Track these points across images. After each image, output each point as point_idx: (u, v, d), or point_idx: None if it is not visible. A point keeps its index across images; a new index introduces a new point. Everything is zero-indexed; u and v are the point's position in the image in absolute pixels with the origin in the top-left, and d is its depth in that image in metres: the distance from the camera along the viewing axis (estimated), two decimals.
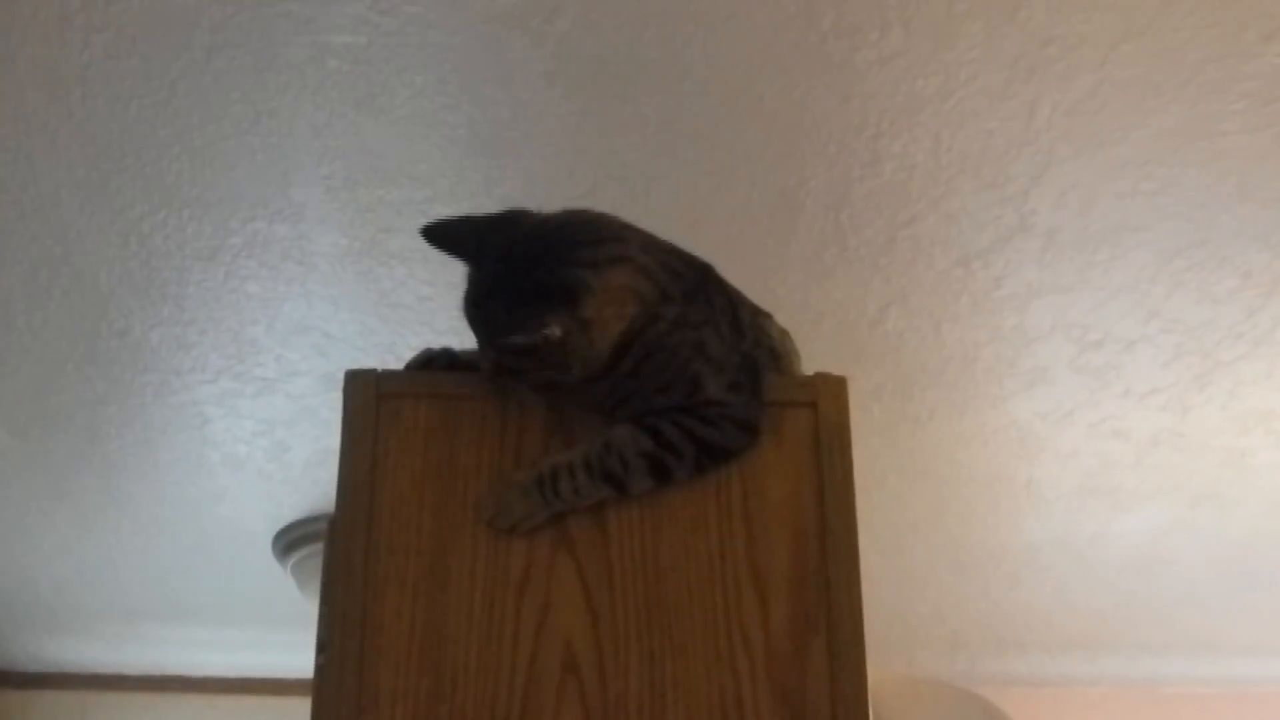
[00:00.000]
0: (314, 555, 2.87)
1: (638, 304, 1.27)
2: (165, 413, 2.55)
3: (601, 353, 1.25)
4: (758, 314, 1.38)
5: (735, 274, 1.40)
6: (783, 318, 1.42)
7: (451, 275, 1.35)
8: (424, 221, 1.36)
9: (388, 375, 1.32)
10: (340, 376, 1.32)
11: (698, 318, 1.30)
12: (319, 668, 1.21)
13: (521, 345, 1.23)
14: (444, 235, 1.33)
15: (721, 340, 1.30)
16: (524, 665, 1.18)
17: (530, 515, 1.24)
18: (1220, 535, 2.95)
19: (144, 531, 2.95)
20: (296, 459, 2.69)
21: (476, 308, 1.29)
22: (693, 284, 1.33)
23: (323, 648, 1.21)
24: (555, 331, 1.22)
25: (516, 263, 1.27)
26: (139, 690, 3.63)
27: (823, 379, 1.31)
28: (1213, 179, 2.02)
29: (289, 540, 2.92)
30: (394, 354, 2.35)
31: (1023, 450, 2.66)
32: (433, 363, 1.36)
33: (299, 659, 2.19)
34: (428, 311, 2.26)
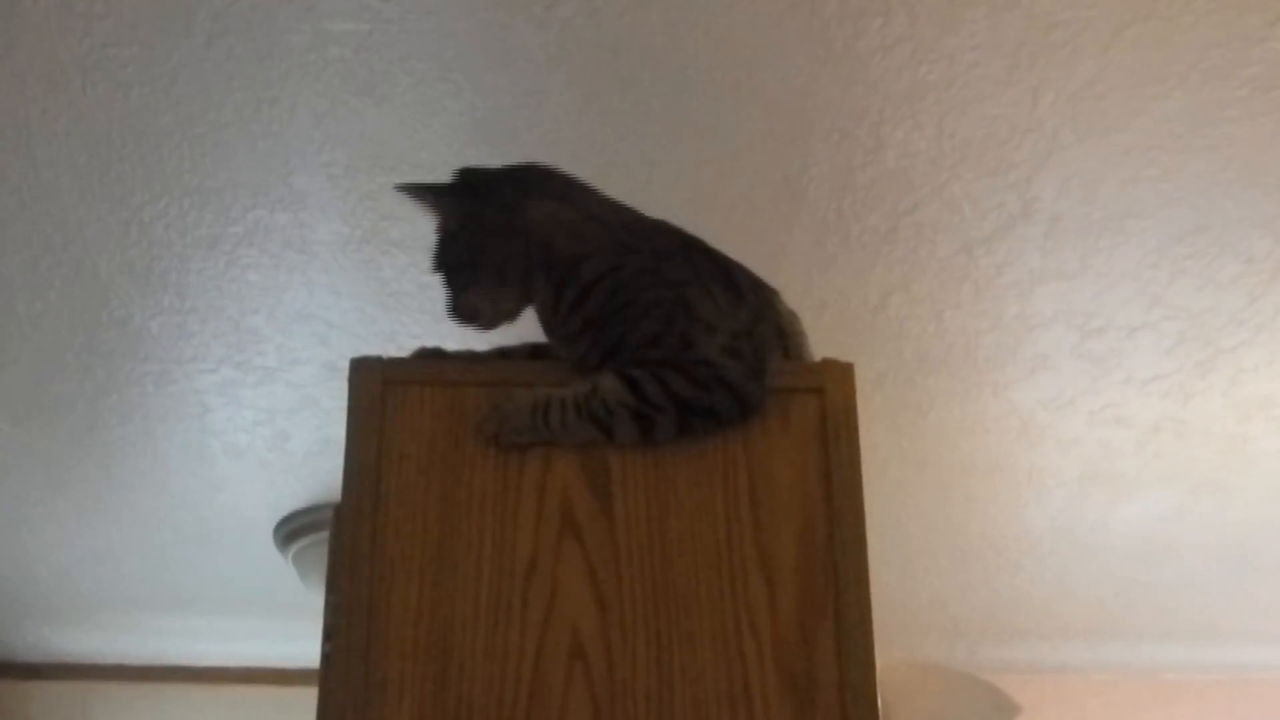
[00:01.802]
0: (315, 544, 2.87)
1: (574, 241, 1.34)
2: (166, 402, 2.55)
3: (532, 273, 1.34)
4: (762, 288, 1.37)
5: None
6: None
7: None
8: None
9: (393, 362, 1.32)
10: (342, 365, 1.33)
11: (677, 277, 1.31)
12: (326, 655, 1.21)
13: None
14: (415, 190, 1.43)
15: (713, 301, 1.29)
16: (531, 652, 1.18)
17: (520, 432, 1.25)
18: (1221, 522, 2.95)
19: (144, 521, 2.95)
20: (298, 448, 2.68)
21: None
22: (670, 246, 1.36)
23: (329, 635, 1.21)
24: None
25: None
26: (139, 680, 3.63)
27: (830, 365, 1.31)
28: (1215, 165, 2.01)
29: (290, 529, 2.92)
30: (395, 342, 2.35)
31: (1024, 438, 2.66)
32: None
33: (300, 648, 2.20)
34: (429, 299, 2.25)
